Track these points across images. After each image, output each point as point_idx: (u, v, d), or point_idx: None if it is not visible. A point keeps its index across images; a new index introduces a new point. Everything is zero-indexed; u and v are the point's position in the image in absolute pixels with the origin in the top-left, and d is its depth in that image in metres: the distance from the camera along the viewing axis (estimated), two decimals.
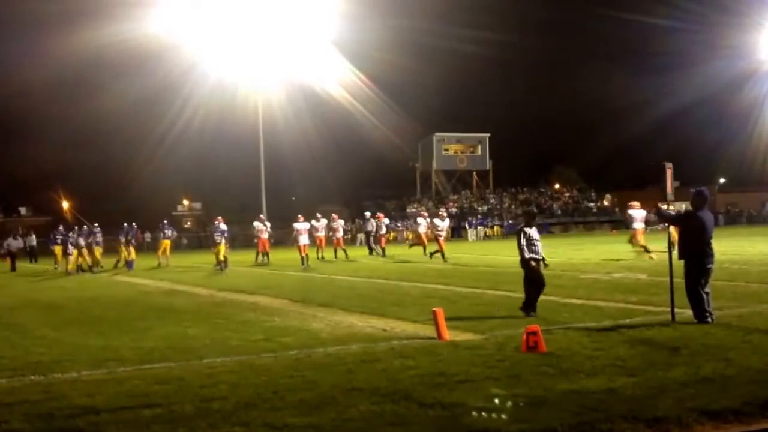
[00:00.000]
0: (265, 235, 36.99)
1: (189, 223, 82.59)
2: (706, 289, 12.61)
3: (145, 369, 10.28)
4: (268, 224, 37.53)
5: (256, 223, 37.70)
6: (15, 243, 47.06)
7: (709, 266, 12.67)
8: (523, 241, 14.32)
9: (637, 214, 28.91)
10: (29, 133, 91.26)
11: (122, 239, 37.59)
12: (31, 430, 7.34)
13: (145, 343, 12.59)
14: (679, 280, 12.74)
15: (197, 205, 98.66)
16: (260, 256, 36.70)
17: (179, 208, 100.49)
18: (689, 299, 12.63)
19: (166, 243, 39.27)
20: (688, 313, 12.60)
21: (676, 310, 12.63)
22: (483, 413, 7.23)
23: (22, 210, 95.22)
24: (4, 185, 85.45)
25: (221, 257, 32.24)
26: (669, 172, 15.41)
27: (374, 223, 39.97)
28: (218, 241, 32.61)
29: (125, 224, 38.49)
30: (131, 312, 17.79)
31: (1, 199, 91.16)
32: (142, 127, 76.48)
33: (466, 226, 72.67)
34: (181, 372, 9.86)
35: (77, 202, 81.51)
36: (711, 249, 12.77)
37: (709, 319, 12.35)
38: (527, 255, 14.39)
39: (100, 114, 74.49)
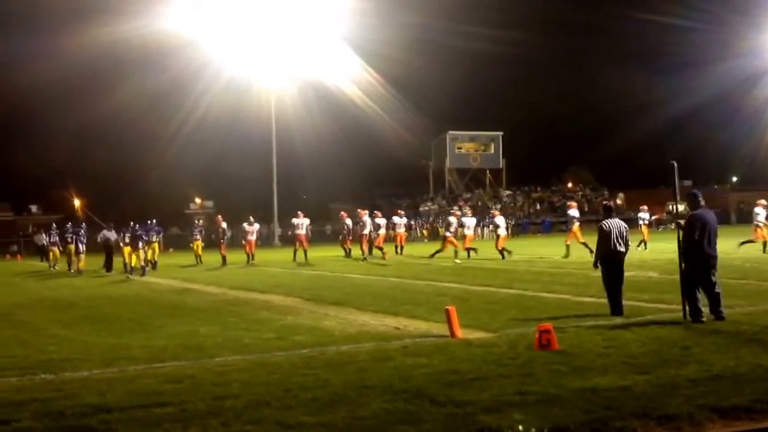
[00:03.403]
0: (302, 231, 36.41)
1: (201, 221, 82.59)
2: (717, 289, 12.50)
3: (156, 367, 10.29)
4: (307, 221, 37.01)
5: (294, 220, 37.26)
6: (111, 235, 36.58)
7: (706, 265, 12.53)
8: None
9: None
10: (41, 129, 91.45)
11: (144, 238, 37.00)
12: (42, 428, 7.34)
13: (156, 342, 12.60)
14: None
15: (209, 203, 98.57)
16: (298, 254, 36.02)
17: (191, 206, 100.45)
18: (683, 296, 12.54)
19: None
20: None
21: (687, 308, 12.57)
22: (495, 411, 7.22)
23: (33, 208, 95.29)
24: (15, 182, 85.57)
25: (141, 262, 31.50)
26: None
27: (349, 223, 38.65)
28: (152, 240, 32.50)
29: (150, 222, 37.89)
30: (143, 310, 17.81)
31: (12, 197, 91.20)
32: (154, 125, 76.71)
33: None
34: (193, 370, 9.86)
35: (88, 199, 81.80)
36: (712, 248, 12.61)
37: (704, 319, 12.15)
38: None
39: (113, 111, 74.64)
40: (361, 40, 64.54)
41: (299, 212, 37.69)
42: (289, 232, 37.34)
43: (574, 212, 32.15)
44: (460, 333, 11.79)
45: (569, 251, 30.30)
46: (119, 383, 9.19)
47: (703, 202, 13.17)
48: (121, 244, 33.12)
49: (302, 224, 36.65)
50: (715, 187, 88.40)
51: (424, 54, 79.54)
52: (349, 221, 37.83)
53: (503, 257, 31.23)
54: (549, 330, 10.30)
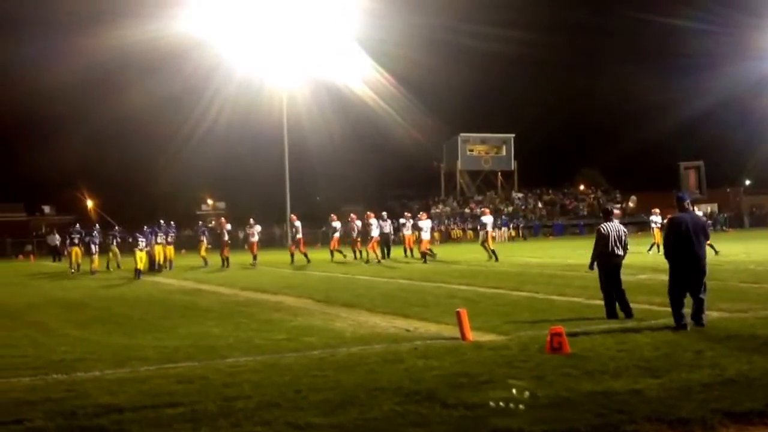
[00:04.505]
0: (299, 235, 36.92)
1: (213, 222, 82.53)
2: (701, 295, 12.17)
3: (168, 368, 10.32)
4: (298, 224, 37.44)
5: (296, 223, 37.49)
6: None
7: (685, 268, 12.27)
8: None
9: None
10: (53, 131, 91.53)
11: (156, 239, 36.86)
12: (54, 428, 7.37)
13: (168, 342, 12.64)
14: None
15: (221, 205, 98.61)
16: (299, 257, 36.10)
17: (203, 207, 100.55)
18: (669, 300, 12.38)
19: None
20: (713, 315, 12.49)
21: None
22: (506, 414, 7.21)
23: (46, 209, 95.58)
24: (28, 183, 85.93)
25: (140, 265, 31.02)
26: (691, 173, 15.28)
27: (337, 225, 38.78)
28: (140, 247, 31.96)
29: (162, 222, 37.76)
30: (154, 311, 17.86)
31: (26, 197, 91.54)
32: (167, 126, 76.61)
33: None
34: (204, 371, 9.88)
35: (101, 200, 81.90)
36: (689, 251, 12.23)
37: (689, 326, 11.84)
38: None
39: (125, 112, 74.80)
40: (373, 41, 64.51)
41: (292, 215, 37.95)
42: (298, 236, 37.34)
43: (487, 218, 34.23)
44: (471, 335, 11.77)
45: (494, 254, 32.00)
46: (131, 383, 9.22)
47: (688, 206, 13.00)
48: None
49: (298, 227, 37.30)
50: (728, 190, 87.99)
51: (436, 55, 79.36)
52: (358, 223, 37.77)
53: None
54: (560, 333, 10.27)
